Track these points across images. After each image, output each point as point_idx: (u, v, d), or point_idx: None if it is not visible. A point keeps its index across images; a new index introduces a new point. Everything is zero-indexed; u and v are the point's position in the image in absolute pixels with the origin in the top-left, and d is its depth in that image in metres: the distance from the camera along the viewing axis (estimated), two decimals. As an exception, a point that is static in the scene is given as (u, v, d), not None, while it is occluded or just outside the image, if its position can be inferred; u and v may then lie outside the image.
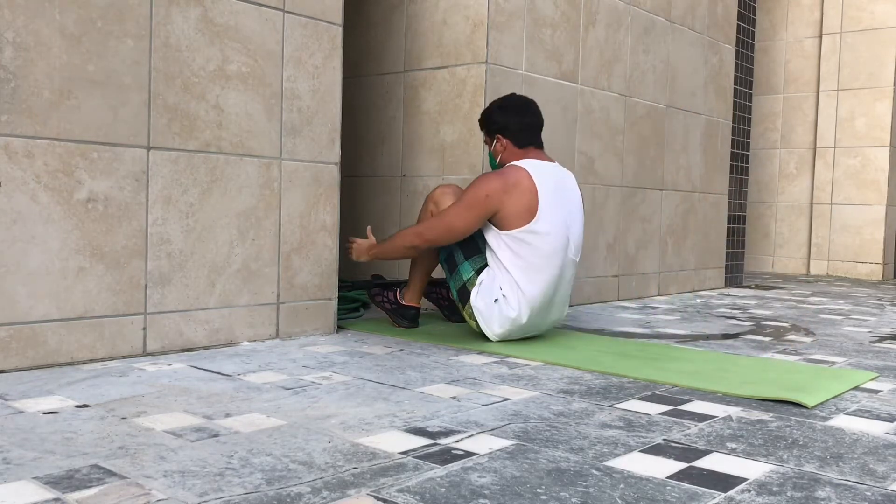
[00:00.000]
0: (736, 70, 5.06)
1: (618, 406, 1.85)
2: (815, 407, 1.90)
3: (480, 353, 2.48)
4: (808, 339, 3.00)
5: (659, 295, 4.45)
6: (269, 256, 2.53)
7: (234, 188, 2.42)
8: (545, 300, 2.59)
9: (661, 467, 1.40)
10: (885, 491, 1.32)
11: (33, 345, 2.03)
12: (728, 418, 1.77)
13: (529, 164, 2.60)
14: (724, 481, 1.34)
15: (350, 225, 3.72)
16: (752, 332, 3.16)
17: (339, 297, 2.96)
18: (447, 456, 1.42)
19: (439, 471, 1.34)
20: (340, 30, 2.69)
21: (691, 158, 4.63)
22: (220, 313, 2.41)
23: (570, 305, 2.76)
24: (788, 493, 1.29)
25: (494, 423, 1.66)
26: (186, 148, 2.30)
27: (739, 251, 5.32)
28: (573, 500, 1.23)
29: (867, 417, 1.82)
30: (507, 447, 1.49)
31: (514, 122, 2.71)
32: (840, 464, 1.46)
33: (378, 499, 1.20)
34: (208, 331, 2.38)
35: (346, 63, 3.47)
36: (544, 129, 3.55)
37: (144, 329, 2.24)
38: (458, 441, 1.52)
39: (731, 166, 5.09)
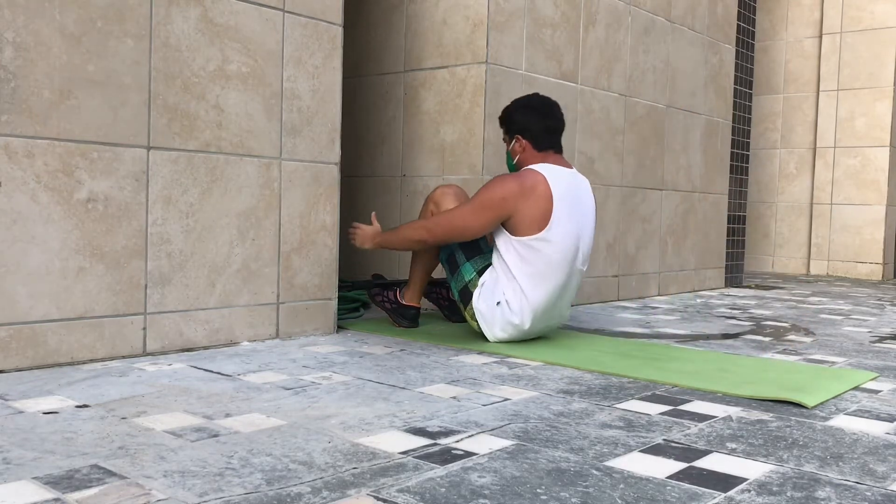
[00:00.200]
0: (736, 70, 5.06)
1: (618, 406, 1.85)
2: (815, 407, 1.90)
3: (480, 353, 2.48)
4: (808, 339, 3.00)
5: (659, 295, 4.45)
6: (269, 256, 2.53)
7: (234, 188, 2.42)
8: (549, 306, 2.58)
9: (661, 467, 1.40)
10: (885, 491, 1.32)
11: (33, 345, 2.03)
12: (728, 418, 1.77)
13: (547, 170, 2.55)
14: (724, 481, 1.34)
15: (350, 225, 3.72)
16: (752, 332, 3.16)
17: (339, 297, 2.97)
18: (447, 456, 1.42)
19: (439, 471, 1.34)
20: (340, 30, 2.69)
21: (691, 158, 4.63)
22: (220, 313, 2.41)
23: (570, 305, 2.76)
24: (788, 493, 1.29)
25: (494, 423, 1.66)
26: (186, 148, 2.30)
27: (739, 251, 5.32)
28: (573, 500, 1.23)
29: (867, 417, 1.82)
30: (507, 447, 1.49)
31: (535, 124, 2.65)
32: (840, 464, 1.46)
33: (378, 499, 1.20)
34: (208, 331, 2.38)
35: (346, 63, 3.47)
36: (544, 129, 3.56)
37: (144, 329, 2.24)
38: (458, 441, 1.52)
39: (731, 166, 5.10)
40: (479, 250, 2.67)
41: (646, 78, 4.19)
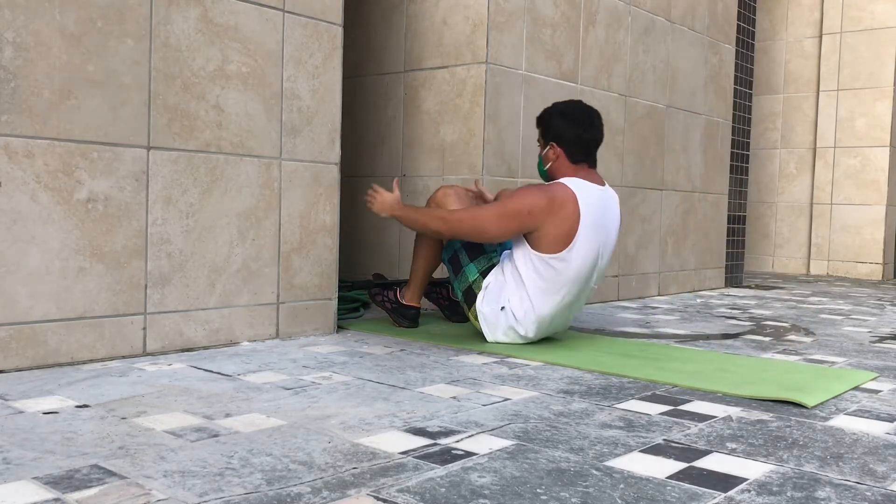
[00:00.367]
0: (736, 70, 5.06)
1: (618, 406, 1.85)
2: (815, 407, 1.90)
3: (480, 353, 2.48)
4: (808, 339, 3.00)
5: (659, 295, 4.45)
6: (269, 256, 2.53)
7: (234, 188, 2.42)
8: (554, 318, 2.57)
9: (661, 467, 1.40)
10: (885, 491, 1.32)
11: (33, 345, 2.03)
12: (728, 418, 1.77)
13: (578, 187, 2.48)
14: (724, 481, 1.34)
15: (350, 225, 3.72)
16: (752, 332, 3.16)
17: (339, 297, 2.97)
18: (447, 456, 1.42)
19: (439, 471, 1.34)
20: (340, 30, 2.69)
21: (691, 158, 4.63)
22: (220, 313, 2.41)
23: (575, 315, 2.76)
24: (788, 494, 1.29)
25: (494, 423, 1.66)
26: (186, 148, 2.30)
27: (739, 251, 5.32)
28: (573, 500, 1.23)
29: (867, 417, 1.82)
30: (507, 447, 1.49)
31: (572, 134, 2.55)
32: (840, 464, 1.46)
33: (378, 499, 1.20)
34: (208, 331, 2.38)
35: (346, 63, 3.47)
36: (544, 129, 3.56)
37: (144, 329, 2.24)
38: (458, 441, 1.52)
39: (731, 166, 5.10)
40: (483, 251, 2.67)
41: (646, 78, 4.19)
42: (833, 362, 2.52)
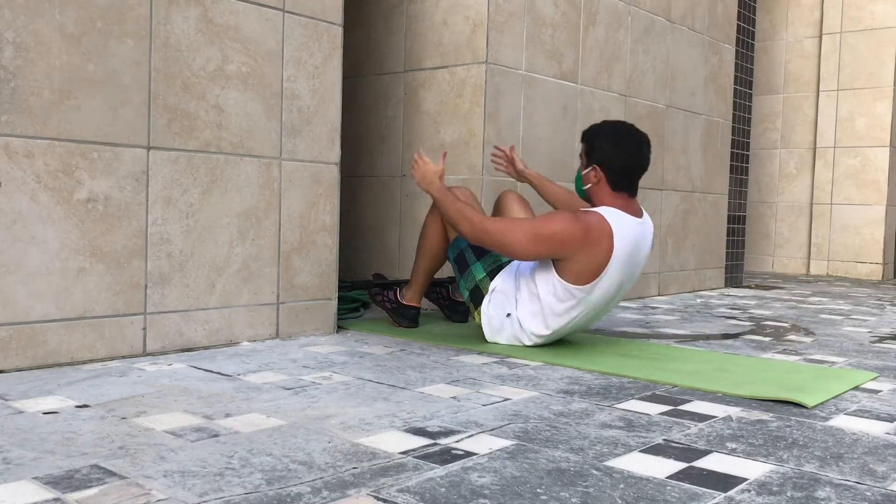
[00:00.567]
0: (736, 70, 5.06)
1: (618, 406, 1.85)
2: (815, 407, 1.90)
3: (480, 353, 2.48)
4: (808, 339, 3.00)
5: (659, 295, 4.45)
6: (269, 256, 2.53)
7: (234, 188, 2.42)
8: (561, 332, 2.54)
9: (661, 467, 1.40)
10: (885, 491, 1.32)
11: (33, 345, 2.03)
12: (728, 418, 1.77)
13: (616, 220, 2.37)
14: (724, 481, 1.34)
15: (350, 225, 3.72)
16: (752, 332, 3.16)
17: (339, 297, 2.97)
18: (447, 456, 1.42)
19: (439, 471, 1.34)
20: (340, 30, 2.69)
21: (691, 158, 4.63)
22: (220, 313, 2.41)
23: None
24: (788, 493, 1.29)
25: (494, 423, 1.66)
26: (186, 148, 2.30)
27: (739, 251, 5.32)
28: (573, 500, 1.23)
29: (867, 417, 1.82)
30: (507, 447, 1.49)
31: (618, 161, 2.43)
32: (840, 464, 1.46)
33: (378, 499, 1.20)
34: (208, 331, 2.38)
35: (346, 63, 3.47)
36: (546, 129, 3.57)
37: (144, 329, 2.24)
38: (458, 441, 1.52)
39: (731, 166, 5.09)
40: (490, 250, 2.66)
41: (646, 78, 4.19)
42: (833, 362, 2.52)
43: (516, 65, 3.40)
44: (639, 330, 3.11)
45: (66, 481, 1.23)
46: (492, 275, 2.61)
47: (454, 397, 1.88)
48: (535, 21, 3.48)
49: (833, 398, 2.00)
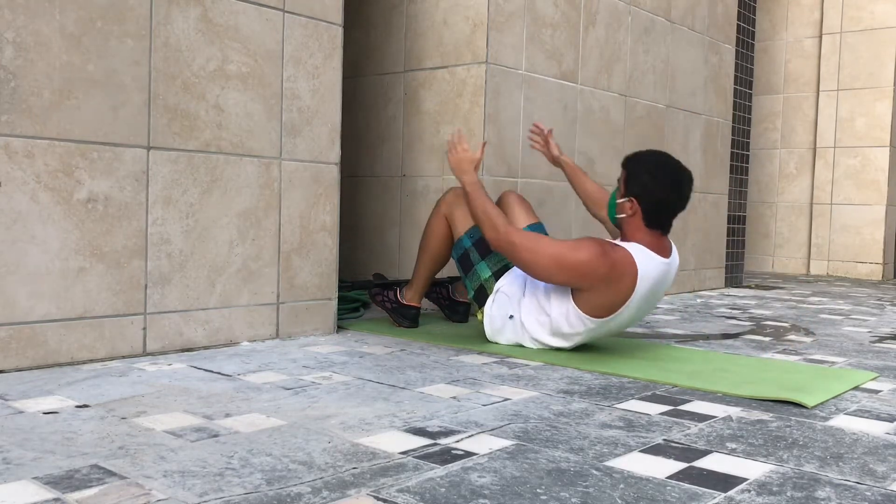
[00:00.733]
0: (736, 70, 5.06)
1: (618, 406, 1.85)
2: (815, 407, 1.90)
3: (480, 353, 2.48)
4: (808, 339, 3.00)
5: (659, 295, 4.44)
6: (269, 256, 2.53)
7: (234, 188, 2.42)
8: (563, 346, 2.52)
9: (661, 467, 1.40)
10: (885, 491, 1.32)
11: (33, 345, 2.03)
12: (728, 418, 1.77)
13: (643, 259, 2.30)
14: (724, 481, 1.34)
15: (350, 225, 3.72)
16: (752, 332, 3.16)
17: (339, 297, 2.97)
18: (447, 456, 1.42)
19: (439, 471, 1.34)
20: (340, 30, 2.69)
21: (691, 158, 4.63)
22: (220, 313, 2.41)
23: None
24: (788, 493, 1.29)
25: (494, 423, 1.66)
26: (186, 148, 2.30)
27: (739, 251, 5.32)
28: (573, 500, 1.23)
29: (867, 417, 1.82)
30: (507, 447, 1.49)
31: (657, 199, 2.33)
32: (840, 464, 1.46)
33: (378, 499, 1.20)
34: (208, 331, 2.38)
35: (346, 63, 3.47)
36: (544, 129, 3.56)
37: (144, 329, 2.24)
38: (458, 441, 1.52)
39: (731, 166, 5.09)
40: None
41: (646, 78, 4.19)
42: (833, 362, 2.52)
43: (516, 65, 3.40)
44: (639, 330, 3.11)
45: (66, 481, 1.23)
46: (497, 275, 2.61)
47: (454, 397, 1.88)
48: (535, 21, 3.48)
49: (833, 398, 2.00)
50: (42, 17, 2.00)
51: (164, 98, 2.24)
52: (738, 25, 5.05)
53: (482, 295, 2.63)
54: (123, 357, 2.20)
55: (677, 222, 4.50)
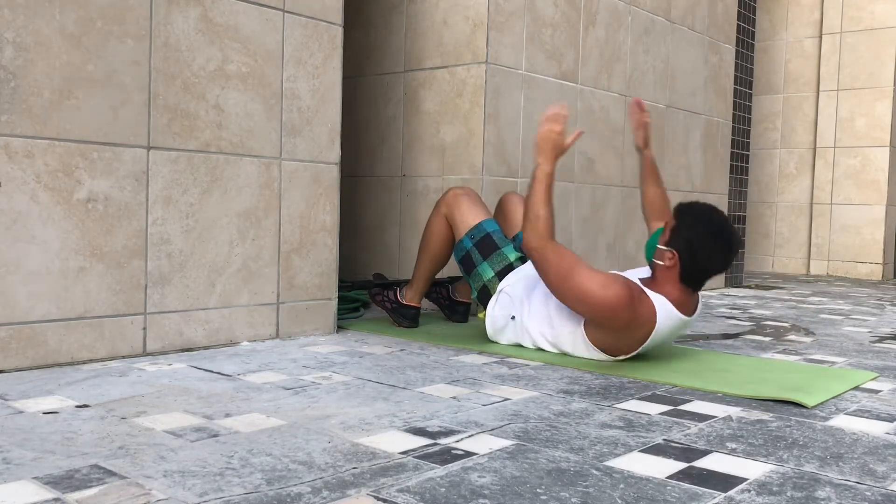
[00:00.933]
0: (736, 70, 5.06)
1: (618, 406, 1.85)
2: (815, 407, 1.90)
3: (480, 353, 2.48)
4: (808, 339, 3.00)
5: (659, 295, 4.44)
6: (269, 256, 2.53)
7: (234, 188, 2.42)
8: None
9: (661, 467, 1.40)
10: (885, 491, 1.32)
11: (33, 345, 2.03)
12: (728, 418, 1.77)
13: (665, 315, 2.24)
14: (724, 481, 1.34)
15: (350, 225, 3.72)
16: (752, 332, 3.16)
17: (339, 297, 2.97)
18: (447, 456, 1.42)
19: (439, 471, 1.34)
20: (340, 30, 2.69)
21: (691, 158, 4.63)
22: (220, 313, 2.41)
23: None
24: (788, 493, 1.29)
25: (494, 423, 1.66)
26: (186, 148, 2.30)
27: (739, 251, 5.32)
28: (573, 500, 1.23)
29: (867, 417, 1.82)
30: (507, 447, 1.49)
31: (702, 261, 2.24)
32: (840, 464, 1.46)
33: (378, 499, 1.20)
34: (208, 331, 2.38)
35: (346, 63, 3.47)
36: (544, 129, 3.56)
37: (144, 329, 2.24)
38: (458, 441, 1.52)
39: (731, 166, 5.10)
40: (495, 246, 2.64)
41: (646, 78, 4.19)
42: (833, 362, 2.52)
43: (516, 65, 3.40)
44: (639, 330, 3.11)
45: (66, 481, 1.23)
46: (500, 275, 2.61)
47: (454, 397, 1.87)
48: (535, 21, 3.48)
49: (833, 398, 2.00)
50: (42, 17, 2.00)
51: (164, 98, 2.24)
52: (738, 25, 5.05)
53: (485, 295, 2.63)
54: (123, 357, 2.20)
55: (677, 222, 4.51)
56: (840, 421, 1.78)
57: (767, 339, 2.99)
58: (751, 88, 5.29)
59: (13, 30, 1.96)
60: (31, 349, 2.03)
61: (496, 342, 2.60)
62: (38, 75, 2.00)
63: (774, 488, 1.31)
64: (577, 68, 3.73)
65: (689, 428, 1.68)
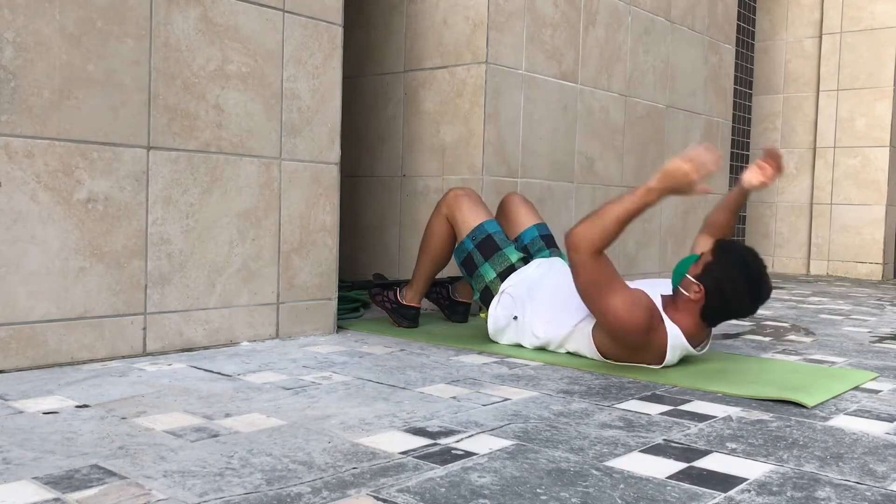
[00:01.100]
0: (736, 70, 5.06)
1: (618, 406, 1.85)
2: (815, 407, 1.90)
3: (480, 353, 2.48)
4: (808, 339, 3.00)
5: (659, 295, 4.44)
6: (269, 256, 2.53)
7: (234, 188, 2.42)
8: None
9: (661, 467, 1.40)
10: (885, 491, 1.32)
11: (33, 345, 2.03)
12: (728, 418, 1.77)
13: (675, 346, 2.21)
14: (724, 481, 1.34)
15: (350, 225, 3.72)
16: (752, 332, 3.16)
17: (339, 297, 2.97)
18: (447, 456, 1.42)
19: (439, 471, 1.34)
20: (340, 30, 2.69)
21: (691, 158, 4.63)
22: (220, 313, 2.41)
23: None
24: (788, 493, 1.29)
25: (494, 423, 1.66)
26: (186, 148, 2.30)
27: (739, 251, 5.31)
28: (573, 500, 1.23)
29: (867, 417, 1.82)
30: (507, 447, 1.49)
31: (728, 305, 2.19)
32: (840, 464, 1.46)
33: (378, 499, 1.20)
34: (208, 331, 2.38)
35: (346, 63, 3.47)
36: (546, 129, 3.57)
37: (144, 329, 2.24)
38: (458, 441, 1.52)
39: (731, 166, 5.10)
40: (497, 247, 2.64)
41: (646, 78, 4.19)
42: (833, 362, 2.52)
43: (516, 65, 3.40)
44: (639, 330, 3.11)
45: (66, 481, 1.23)
46: (502, 276, 2.61)
47: (454, 397, 1.87)
48: (535, 21, 3.48)
49: (833, 398, 2.00)
50: (42, 17, 2.00)
51: (164, 98, 2.24)
52: (738, 25, 5.06)
53: (487, 296, 2.63)
54: (123, 357, 2.20)
55: (678, 221, 4.51)
56: (840, 421, 1.78)
57: (767, 339, 2.99)
58: (751, 88, 5.30)
59: (13, 30, 1.96)
60: (31, 349, 2.03)
61: (497, 342, 2.60)
62: (38, 75, 2.00)
63: (774, 488, 1.31)
64: (577, 68, 3.73)
65: (689, 428, 1.68)
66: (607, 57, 3.91)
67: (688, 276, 2.23)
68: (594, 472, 1.36)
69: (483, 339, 2.64)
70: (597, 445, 1.52)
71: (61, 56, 2.04)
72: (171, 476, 1.27)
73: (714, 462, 1.44)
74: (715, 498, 1.26)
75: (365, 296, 3.29)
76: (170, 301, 2.29)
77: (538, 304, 2.49)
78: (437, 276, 3.04)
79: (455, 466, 1.36)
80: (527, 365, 2.30)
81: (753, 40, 5.28)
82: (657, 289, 2.34)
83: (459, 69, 3.34)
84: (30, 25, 1.98)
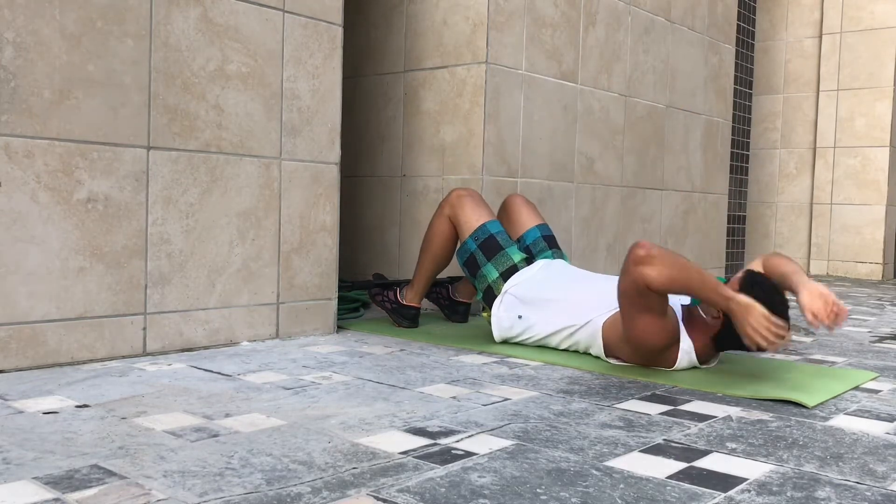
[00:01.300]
0: (736, 70, 5.06)
1: (618, 406, 1.85)
2: (815, 407, 1.90)
3: (480, 353, 2.48)
4: (808, 339, 3.00)
5: (659, 295, 4.44)
6: (269, 256, 2.53)
7: (234, 188, 2.42)
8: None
9: (661, 467, 1.40)
10: (885, 491, 1.32)
11: (33, 345, 2.03)
12: (728, 418, 1.77)
13: (683, 357, 2.24)
14: (724, 481, 1.34)
15: (350, 225, 3.72)
16: (752, 332, 3.15)
17: (339, 297, 2.97)
18: (447, 456, 1.42)
19: (439, 471, 1.34)
20: (340, 30, 2.69)
21: (691, 158, 4.63)
22: (220, 313, 2.41)
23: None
24: (788, 493, 1.29)
25: (494, 423, 1.66)
26: (186, 148, 2.30)
27: (739, 251, 5.32)
28: (573, 500, 1.23)
29: (867, 417, 1.82)
30: (506, 447, 1.49)
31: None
32: (840, 464, 1.46)
33: (378, 499, 1.20)
34: (208, 331, 2.38)
35: (346, 63, 3.47)
36: (546, 129, 3.57)
37: (144, 329, 2.24)
38: (458, 441, 1.52)
39: (731, 166, 5.10)
40: (499, 247, 2.65)
41: (646, 78, 4.19)
42: (833, 362, 2.52)
43: (516, 65, 3.40)
44: (639, 330, 3.11)
45: (66, 481, 1.23)
46: (505, 276, 2.61)
47: (454, 397, 1.87)
48: (535, 21, 3.48)
49: (833, 398, 2.00)
50: (42, 17, 2.00)
51: (164, 98, 2.24)
52: (738, 25, 5.06)
53: (490, 296, 2.63)
54: (123, 357, 2.20)
55: (678, 221, 4.51)
56: (840, 421, 1.78)
57: (767, 339, 2.98)
58: (751, 88, 5.30)
59: (13, 30, 1.96)
60: (31, 349, 2.03)
61: (499, 342, 2.60)
62: (38, 75, 2.00)
63: (774, 488, 1.31)
64: (577, 68, 3.73)
65: (689, 428, 1.68)
66: (607, 57, 3.91)
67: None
68: (594, 472, 1.36)
69: (483, 339, 2.64)
70: (597, 445, 1.52)
71: (61, 56, 2.04)
72: (171, 476, 1.27)
73: (714, 462, 1.44)
74: (715, 498, 1.26)
75: (365, 296, 3.29)
76: (170, 301, 2.29)
77: (542, 303, 2.49)
78: (438, 278, 3.04)
79: (455, 466, 1.36)
80: (527, 365, 2.30)
81: (753, 40, 5.28)
82: (676, 298, 2.31)
83: (459, 69, 3.35)
84: (30, 25, 1.98)
